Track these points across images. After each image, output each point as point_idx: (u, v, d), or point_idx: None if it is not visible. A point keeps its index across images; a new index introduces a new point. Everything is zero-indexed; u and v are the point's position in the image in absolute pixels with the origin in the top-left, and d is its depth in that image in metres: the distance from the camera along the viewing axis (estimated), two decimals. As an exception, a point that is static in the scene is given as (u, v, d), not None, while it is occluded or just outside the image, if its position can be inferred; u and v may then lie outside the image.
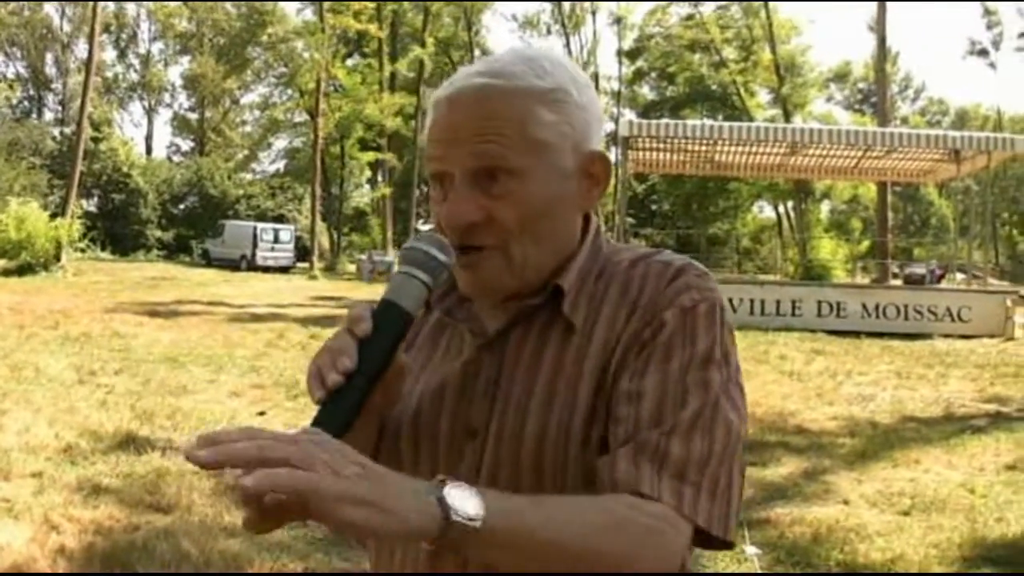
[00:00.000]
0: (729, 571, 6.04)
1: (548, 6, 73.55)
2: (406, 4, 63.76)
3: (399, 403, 1.57)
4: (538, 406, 1.47)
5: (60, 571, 5.67)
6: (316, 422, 1.29)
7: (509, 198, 1.46)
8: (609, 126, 50.12)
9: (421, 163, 64.63)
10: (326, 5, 52.29)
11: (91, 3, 43.60)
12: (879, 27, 41.15)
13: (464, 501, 1.14)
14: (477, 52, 70.64)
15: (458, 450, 1.52)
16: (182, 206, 66.37)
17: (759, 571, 6.05)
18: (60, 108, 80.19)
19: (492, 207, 1.46)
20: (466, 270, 1.51)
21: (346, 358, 1.32)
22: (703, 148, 29.36)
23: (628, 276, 1.53)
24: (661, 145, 28.98)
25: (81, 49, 74.62)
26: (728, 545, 1.40)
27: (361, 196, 78.46)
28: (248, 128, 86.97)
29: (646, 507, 1.32)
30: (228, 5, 70.51)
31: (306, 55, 55.43)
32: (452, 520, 1.13)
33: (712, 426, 1.39)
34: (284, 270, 50.23)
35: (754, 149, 28.64)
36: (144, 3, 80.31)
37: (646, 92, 78.66)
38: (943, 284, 33.71)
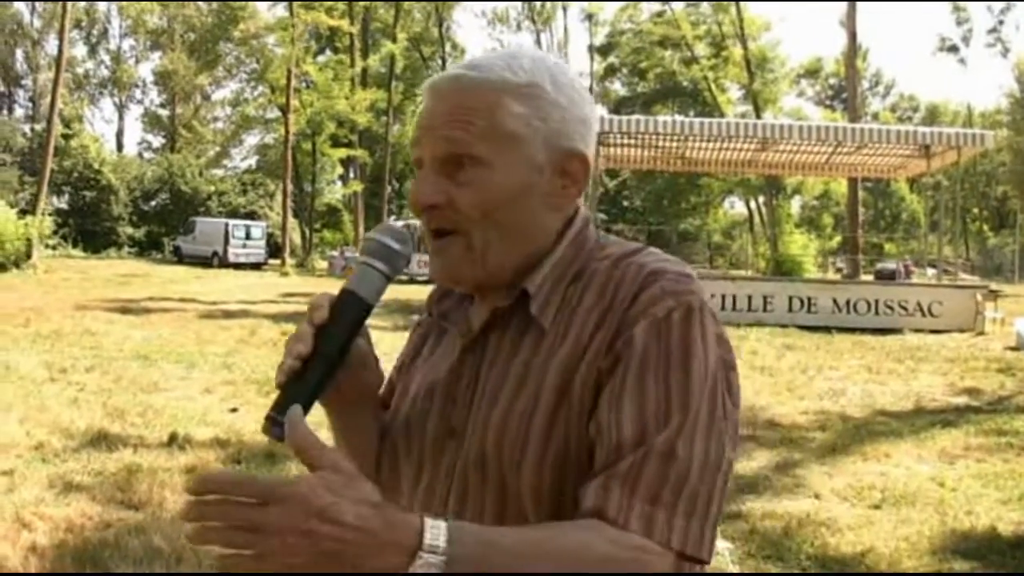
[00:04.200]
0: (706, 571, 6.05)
1: (519, 3, 73.49)
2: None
3: (391, 405, 1.73)
4: (504, 404, 1.47)
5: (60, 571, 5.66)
6: (275, 405, 1.39)
7: (471, 185, 1.49)
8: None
9: (393, 159, 64.66)
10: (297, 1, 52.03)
11: (61, -1, 43.36)
12: (850, 23, 41.27)
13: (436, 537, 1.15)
14: (448, 47, 70.61)
15: (440, 449, 1.56)
16: (153, 203, 66.02)
17: (731, 565, 6.08)
18: (30, 105, 79.87)
19: (455, 192, 1.49)
20: (433, 256, 1.55)
21: (300, 344, 1.43)
22: (674, 144, 29.29)
23: (608, 276, 1.48)
24: (632, 141, 28.92)
25: (51, 45, 74.51)
26: (701, 562, 1.34)
27: (333, 192, 78.30)
28: (219, 124, 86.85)
29: (626, 539, 1.27)
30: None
31: (278, 51, 55.29)
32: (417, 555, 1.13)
33: (692, 442, 1.34)
34: (256, 267, 50.10)
35: (725, 145, 28.67)
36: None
37: (617, 88, 78.85)
38: (914, 279, 33.87)
